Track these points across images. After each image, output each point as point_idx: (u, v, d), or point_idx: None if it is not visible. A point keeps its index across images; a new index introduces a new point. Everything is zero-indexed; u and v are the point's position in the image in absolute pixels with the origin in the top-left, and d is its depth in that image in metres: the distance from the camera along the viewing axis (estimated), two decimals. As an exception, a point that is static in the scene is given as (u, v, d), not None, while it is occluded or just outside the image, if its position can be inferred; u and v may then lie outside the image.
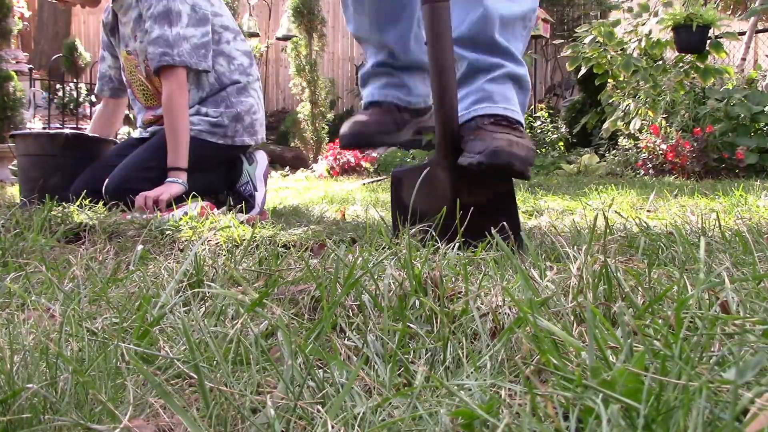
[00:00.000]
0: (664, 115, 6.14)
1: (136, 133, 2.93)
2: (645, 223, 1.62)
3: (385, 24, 1.86)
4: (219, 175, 2.81)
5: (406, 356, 0.79)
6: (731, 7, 8.38)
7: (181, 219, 1.87)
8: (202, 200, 2.40)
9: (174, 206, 2.36)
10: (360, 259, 1.09)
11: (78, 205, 2.13)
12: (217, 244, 1.58)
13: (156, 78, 2.69)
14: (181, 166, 2.55)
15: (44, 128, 7.12)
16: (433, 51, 1.50)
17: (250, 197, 2.85)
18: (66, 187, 2.58)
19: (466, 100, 1.63)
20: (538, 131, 7.55)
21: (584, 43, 6.10)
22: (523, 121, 1.64)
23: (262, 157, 2.94)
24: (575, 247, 1.24)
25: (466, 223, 1.35)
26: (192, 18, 2.61)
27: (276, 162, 8.65)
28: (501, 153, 1.45)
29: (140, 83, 2.79)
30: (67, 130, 2.92)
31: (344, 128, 1.83)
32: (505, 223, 1.37)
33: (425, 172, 1.56)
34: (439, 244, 1.26)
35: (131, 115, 9.14)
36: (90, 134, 2.92)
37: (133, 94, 2.86)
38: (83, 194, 2.30)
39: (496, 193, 1.56)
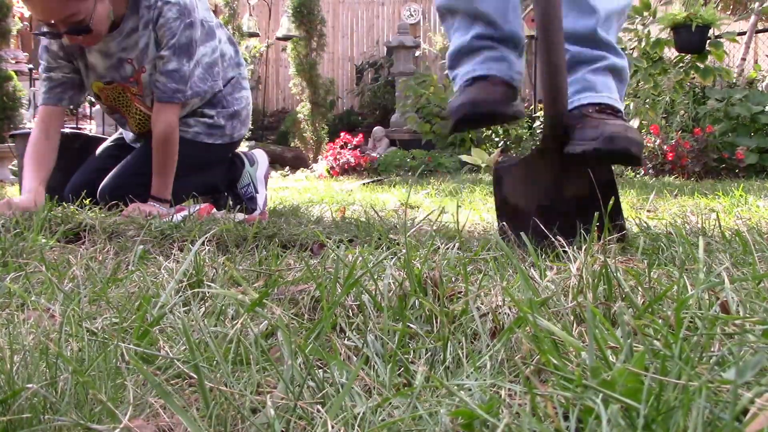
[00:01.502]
0: (664, 116, 6.14)
1: (128, 137, 2.82)
2: (645, 223, 1.63)
3: None
4: (218, 175, 2.79)
5: (406, 356, 0.79)
6: (731, 7, 8.38)
7: (182, 221, 1.87)
8: (202, 201, 2.39)
9: (174, 208, 2.35)
10: (360, 259, 1.09)
11: (78, 205, 2.13)
12: (217, 243, 1.58)
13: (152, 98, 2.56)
14: (166, 197, 2.44)
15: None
16: (546, 49, 1.50)
17: (251, 199, 2.83)
18: (66, 187, 2.57)
19: (568, 89, 1.62)
20: (538, 131, 7.55)
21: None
22: (623, 111, 1.67)
23: (262, 158, 2.92)
24: (575, 247, 1.24)
25: (572, 220, 1.39)
26: (202, 35, 2.50)
27: (276, 162, 8.65)
28: (618, 138, 1.46)
29: (137, 112, 2.61)
30: (67, 130, 2.89)
31: (458, 101, 1.69)
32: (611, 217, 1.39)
33: (525, 166, 1.59)
34: (562, 240, 1.24)
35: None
36: (90, 134, 2.92)
37: (122, 119, 2.68)
38: (82, 195, 2.29)
39: (599, 183, 1.55)
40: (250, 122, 2.78)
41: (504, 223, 1.58)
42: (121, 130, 2.86)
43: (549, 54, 1.50)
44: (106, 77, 2.54)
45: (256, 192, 2.84)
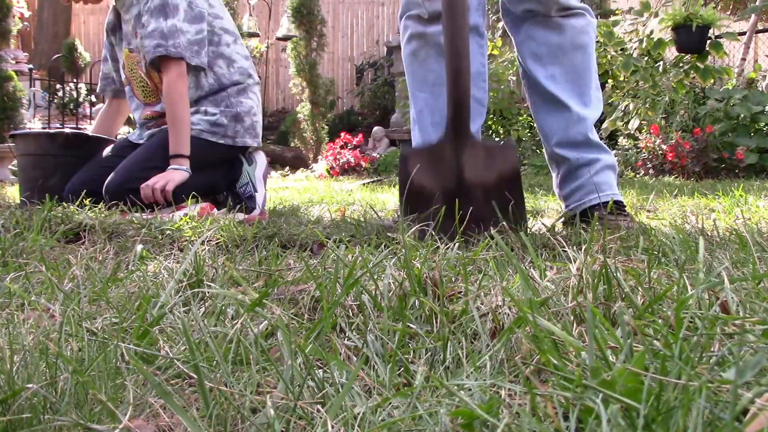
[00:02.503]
0: (664, 116, 6.14)
1: (133, 136, 2.91)
2: (645, 223, 1.63)
3: None
4: (218, 176, 2.80)
5: (406, 356, 0.79)
6: (731, 7, 8.38)
7: (181, 220, 1.87)
8: (202, 201, 2.39)
9: (174, 207, 2.35)
10: (360, 259, 1.09)
11: (78, 205, 2.13)
12: (217, 244, 1.58)
13: (155, 73, 2.69)
14: (183, 152, 2.54)
15: (44, 128, 7.12)
16: (449, 34, 1.57)
17: (250, 198, 2.84)
18: (63, 188, 2.58)
19: (580, 191, 1.94)
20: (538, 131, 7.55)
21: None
22: (623, 200, 1.98)
23: (261, 158, 2.94)
24: (575, 247, 1.24)
25: (471, 210, 1.42)
26: (188, 14, 2.61)
27: (276, 162, 8.65)
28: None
29: (140, 80, 2.78)
30: (67, 130, 2.90)
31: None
32: (511, 208, 1.47)
33: (432, 151, 1.65)
34: (438, 239, 1.27)
35: (131, 116, 9.15)
36: (90, 134, 2.91)
37: (131, 91, 2.84)
38: (82, 194, 2.30)
39: (503, 173, 1.63)
40: (259, 139, 2.82)
41: (407, 206, 1.63)
42: (127, 132, 2.95)
43: (452, 39, 1.56)
44: (131, 44, 2.75)
45: (255, 191, 2.85)
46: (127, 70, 2.81)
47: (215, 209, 2.49)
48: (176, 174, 2.48)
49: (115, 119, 3.09)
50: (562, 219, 1.89)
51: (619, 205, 1.87)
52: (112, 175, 2.53)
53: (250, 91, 2.80)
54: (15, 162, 5.88)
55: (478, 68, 1.94)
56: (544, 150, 2.01)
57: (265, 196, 2.92)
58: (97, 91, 3.03)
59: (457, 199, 1.45)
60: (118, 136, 3.28)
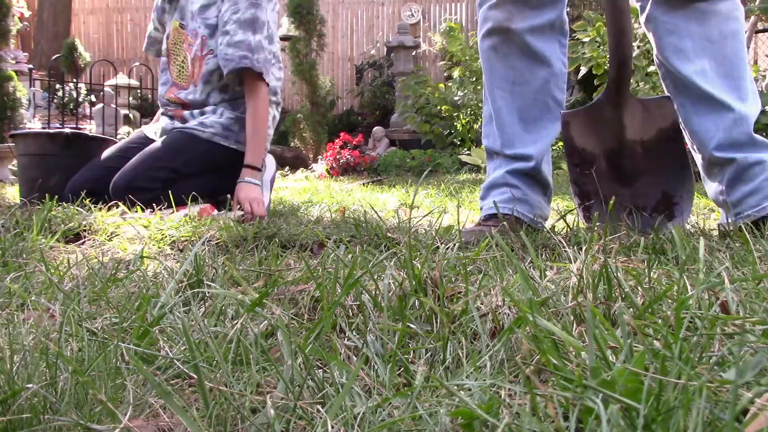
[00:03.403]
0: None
1: (149, 131, 2.88)
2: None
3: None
4: (222, 178, 2.80)
5: (406, 356, 0.79)
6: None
7: (181, 220, 1.87)
8: (203, 202, 2.39)
9: (174, 208, 2.35)
10: (360, 259, 1.09)
11: (78, 205, 2.13)
12: (217, 244, 1.58)
13: (199, 62, 2.71)
14: (257, 165, 2.62)
15: (44, 128, 7.12)
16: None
17: None
18: (63, 188, 2.58)
19: (756, 195, 1.67)
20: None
21: (583, 43, 6.10)
22: None
23: (270, 162, 2.93)
24: (575, 247, 1.24)
25: (639, 163, 1.52)
26: (268, 33, 2.68)
27: (276, 162, 8.63)
28: None
29: (182, 59, 2.79)
30: (66, 130, 2.90)
31: (469, 231, 1.71)
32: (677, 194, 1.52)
33: (591, 112, 1.66)
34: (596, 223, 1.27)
35: (131, 115, 9.14)
36: (90, 134, 2.95)
37: (167, 64, 2.86)
38: (83, 194, 2.29)
39: (663, 129, 1.63)
40: (268, 147, 2.85)
41: (574, 170, 1.65)
42: (137, 131, 2.94)
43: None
44: (184, 20, 2.78)
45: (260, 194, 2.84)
46: (171, 43, 2.82)
47: (215, 210, 2.49)
48: (255, 190, 2.55)
49: None
50: (725, 229, 1.62)
51: None
52: (120, 173, 2.53)
53: (272, 102, 2.82)
54: (15, 162, 5.88)
55: (560, 68, 1.87)
56: (697, 160, 1.77)
57: (269, 200, 2.91)
58: (143, 48, 3.04)
59: (619, 155, 1.52)
60: (118, 137, 3.28)
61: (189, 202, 2.30)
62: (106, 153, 2.79)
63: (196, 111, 2.75)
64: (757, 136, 1.70)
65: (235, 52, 2.58)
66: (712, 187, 1.77)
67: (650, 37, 1.76)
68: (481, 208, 1.90)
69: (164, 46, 2.87)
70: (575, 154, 1.68)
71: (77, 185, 2.53)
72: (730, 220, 1.69)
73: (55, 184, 2.58)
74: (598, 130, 1.66)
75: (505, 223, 1.47)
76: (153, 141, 2.78)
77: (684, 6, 1.67)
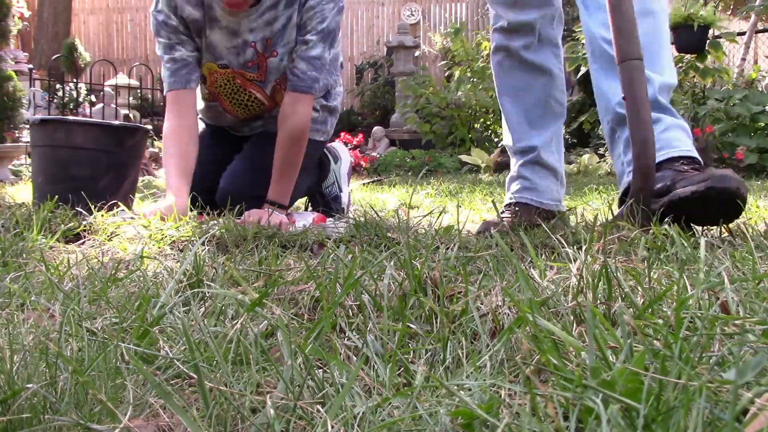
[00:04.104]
0: (664, 115, 6.14)
1: (224, 122, 2.52)
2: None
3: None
4: (313, 176, 2.60)
5: (406, 356, 0.79)
6: (731, 7, 8.38)
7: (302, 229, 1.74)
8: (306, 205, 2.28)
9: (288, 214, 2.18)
10: (360, 259, 1.09)
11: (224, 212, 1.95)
12: (217, 244, 1.58)
13: (281, 93, 2.35)
14: (284, 203, 2.23)
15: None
16: (633, 107, 1.61)
17: (336, 199, 2.65)
18: (117, 189, 2.21)
19: None
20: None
21: (583, 43, 6.10)
22: (699, 158, 1.79)
23: (345, 153, 2.72)
24: (575, 247, 1.24)
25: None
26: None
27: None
28: (729, 178, 1.54)
29: (248, 98, 2.39)
30: (117, 123, 2.36)
31: (493, 220, 1.95)
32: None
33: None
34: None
35: (131, 115, 9.13)
36: (144, 127, 2.41)
37: (220, 107, 2.45)
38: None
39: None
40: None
41: None
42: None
43: (637, 111, 1.59)
44: (223, 59, 2.31)
45: (340, 191, 2.68)
46: (213, 87, 2.40)
47: (326, 220, 2.26)
48: (283, 219, 2.06)
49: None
50: (622, 192, 1.79)
51: (693, 162, 1.73)
52: (230, 182, 2.29)
53: (339, 82, 2.58)
54: (15, 162, 5.88)
55: (557, 73, 2.13)
56: (604, 129, 1.93)
57: (349, 195, 2.71)
58: (173, 86, 2.28)
59: None
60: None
61: (297, 207, 2.18)
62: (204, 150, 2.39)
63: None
64: (664, 101, 1.81)
65: (308, 70, 2.21)
66: (614, 154, 1.90)
67: (580, 9, 1.93)
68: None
69: (205, 91, 2.43)
70: None
71: (226, 189, 2.25)
72: (624, 183, 1.81)
73: (105, 185, 2.20)
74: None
75: (516, 209, 1.74)
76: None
77: None
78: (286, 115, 2.20)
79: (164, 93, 2.31)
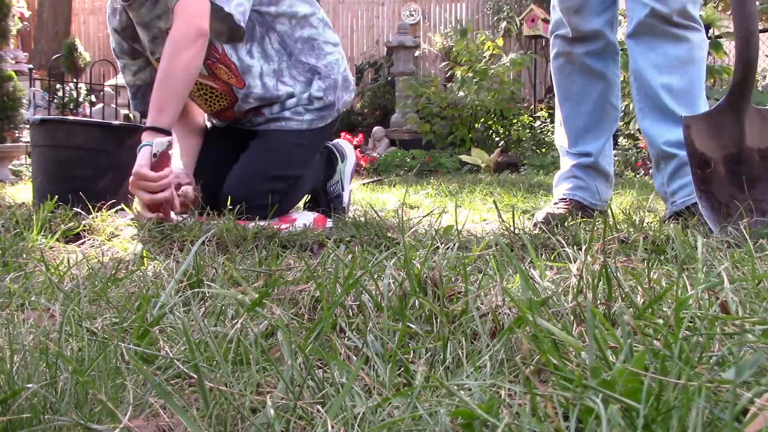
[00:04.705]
0: (664, 115, 6.14)
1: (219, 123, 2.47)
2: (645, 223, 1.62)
3: None
4: (320, 173, 2.54)
5: (406, 356, 0.79)
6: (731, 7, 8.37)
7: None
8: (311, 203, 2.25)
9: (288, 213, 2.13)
10: (360, 259, 1.09)
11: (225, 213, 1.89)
12: (217, 243, 1.58)
13: (221, 69, 2.24)
14: (161, 125, 1.94)
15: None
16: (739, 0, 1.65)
17: (338, 198, 2.61)
18: (117, 189, 2.19)
19: (688, 188, 1.95)
20: (538, 131, 7.55)
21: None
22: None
23: (350, 151, 2.68)
24: (575, 247, 1.24)
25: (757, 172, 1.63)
26: None
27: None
28: None
29: (197, 88, 2.32)
30: (115, 122, 2.41)
31: (543, 211, 2.16)
32: None
33: (712, 117, 1.72)
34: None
35: (131, 115, 9.13)
36: (135, 125, 2.42)
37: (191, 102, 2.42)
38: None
39: None
40: (353, 84, 2.47)
41: (696, 173, 1.72)
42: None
43: (743, 2, 1.63)
44: (155, 53, 2.24)
45: (342, 190, 2.64)
46: None
47: (327, 221, 2.22)
48: (141, 156, 1.88)
49: (196, 140, 2.40)
50: (667, 217, 1.98)
51: None
52: (233, 185, 2.22)
53: (323, 40, 2.37)
54: (15, 162, 5.88)
55: (614, 80, 2.25)
56: (649, 152, 2.09)
57: (350, 194, 2.68)
58: (133, 108, 2.40)
59: (738, 161, 1.63)
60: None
61: (298, 207, 2.14)
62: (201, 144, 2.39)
63: (272, 106, 2.34)
64: None
65: None
66: (657, 180, 2.09)
67: (630, 49, 2.06)
68: (554, 196, 2.35)
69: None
70: (695, 157, 1.74)
71: (229, 187, 2.19)
72: (667, 210, 2.05)
73: (105, 185, 2.19)
74: (718, 135, 1.73)
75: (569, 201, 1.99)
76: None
77: (664, 30, 1.98)
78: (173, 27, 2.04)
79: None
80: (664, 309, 0.84)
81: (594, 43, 2.19)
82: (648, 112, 2.04)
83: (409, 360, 0.79)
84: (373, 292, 0.95)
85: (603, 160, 2.27)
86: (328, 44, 2.40)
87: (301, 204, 2.71)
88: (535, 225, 1.94)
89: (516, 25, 9.47)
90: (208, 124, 2.55)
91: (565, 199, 2.24)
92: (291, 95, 2.34)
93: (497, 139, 7.79)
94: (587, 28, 2.17)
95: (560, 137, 2.35)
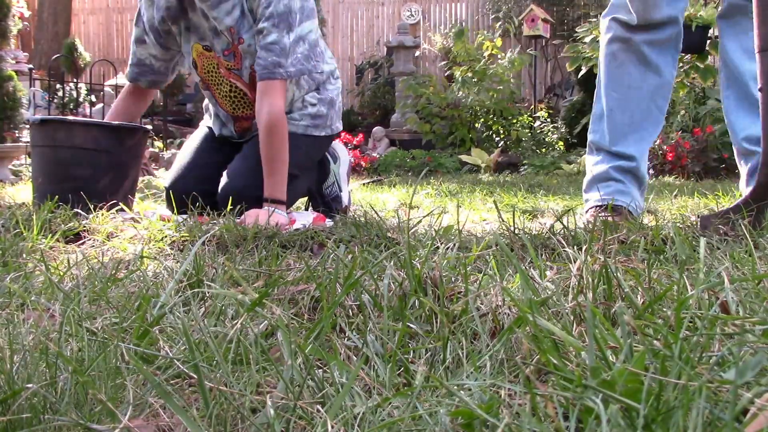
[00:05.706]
0: (664, 115, 6.14)
1: (225, 131, 2.54)
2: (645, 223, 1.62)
3: None
4: (314, 175, 2.58)
5: (406, 356, 0.79)
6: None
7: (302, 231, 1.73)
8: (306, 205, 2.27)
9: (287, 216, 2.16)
10: (360, 259, 1.09)
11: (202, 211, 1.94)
12: (217, 244, 1.58)
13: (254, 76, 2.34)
14: (282, 199, 2.17)
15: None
16: (767, 99, 1.54)
17: (336, 199, 2.64)
18: (117, 189, 2.23)
19: None
20: (538, 131, 7.55)
21: (584, 43, 6.10)
22: None
23: (344, 153, 2.71)
24: (575, 247, 1.24)
25: None
26: (305, 10, 2.26)
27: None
28: None
29: (230, 88, 2.41)
30: (115, 122, 2.38)
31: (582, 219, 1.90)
32: None
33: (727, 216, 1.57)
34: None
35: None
36: (144, 126, 2.44)
37: (213, 98, 2.48)
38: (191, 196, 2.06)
39: None
40: (340, 119, 2.61)
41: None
42: (208, 123, 2.62)
43: None
44: (206, 41, 2.35)
45: (340, 191, 2.67)
46: (204, 72, 2.43)
47: (326, 220, 2.25)
48: (283, 219, 2.07)
49: (140, 108, 2.63)
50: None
51: None
52: (230, 184, 2.27)
53: (334, 75, 2.55)
54: (15, 162, 5.88)
55: (668, 79, 2.06)
56: (732, 145, 1.96)
57: (349, 194, 2.69)
58: (128, 78, 2.51)
59: None
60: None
61: (297, 208, 2.17)
62: (191, 148, 2.51)
63: None
64: None
65: (267, 56, 2.19)
66: (742, 175, 1.97)
67: (720, 30, 1.90)
68: (586, 200, 2.13)
69: (196, 79, 2.49)
70: None
71: (187, 185, 2.28)
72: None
73: (105, 186, 2.20)
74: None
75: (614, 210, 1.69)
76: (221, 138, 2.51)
77: None
78: (259, 109, 2.21)
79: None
80: (664, 309, 0.84)
81: (659, 32, 2.00)
82: (733, 100, 1.88)
83: (409, 360, 0.79)
84: (373, 292, 0.95)
85: (643, 165, 2.09)
86: (335, 80, 2.56)
87: (301, 205, 2.71)
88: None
89: (514, 25, 9.47)
90: (207, 129, 2.60)
91: (604, 205, 2.01)
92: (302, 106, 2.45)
93: (497, 139, 7.79)
94: (656, 17, 1.97)
95: (598, 133, 2.12)
